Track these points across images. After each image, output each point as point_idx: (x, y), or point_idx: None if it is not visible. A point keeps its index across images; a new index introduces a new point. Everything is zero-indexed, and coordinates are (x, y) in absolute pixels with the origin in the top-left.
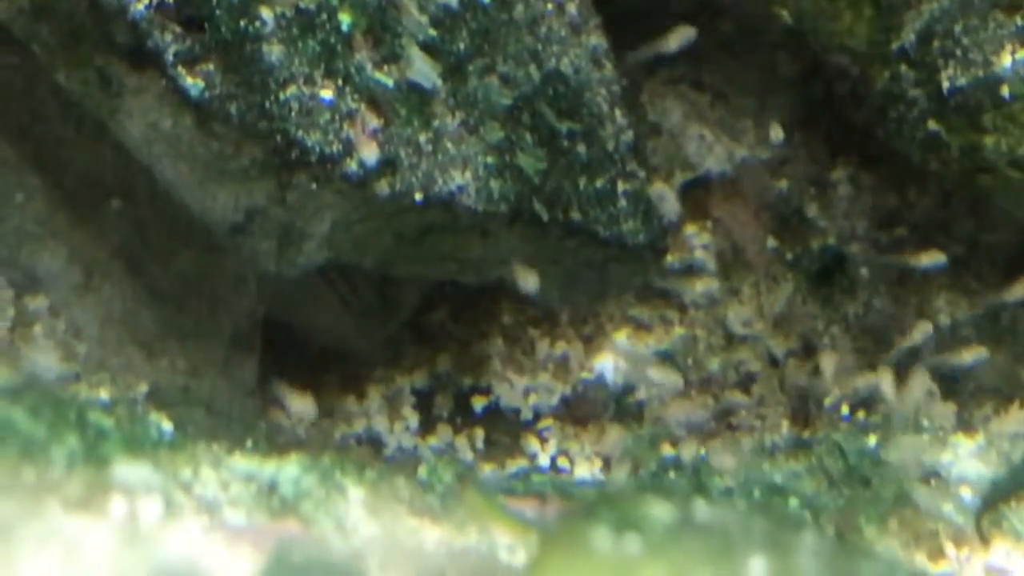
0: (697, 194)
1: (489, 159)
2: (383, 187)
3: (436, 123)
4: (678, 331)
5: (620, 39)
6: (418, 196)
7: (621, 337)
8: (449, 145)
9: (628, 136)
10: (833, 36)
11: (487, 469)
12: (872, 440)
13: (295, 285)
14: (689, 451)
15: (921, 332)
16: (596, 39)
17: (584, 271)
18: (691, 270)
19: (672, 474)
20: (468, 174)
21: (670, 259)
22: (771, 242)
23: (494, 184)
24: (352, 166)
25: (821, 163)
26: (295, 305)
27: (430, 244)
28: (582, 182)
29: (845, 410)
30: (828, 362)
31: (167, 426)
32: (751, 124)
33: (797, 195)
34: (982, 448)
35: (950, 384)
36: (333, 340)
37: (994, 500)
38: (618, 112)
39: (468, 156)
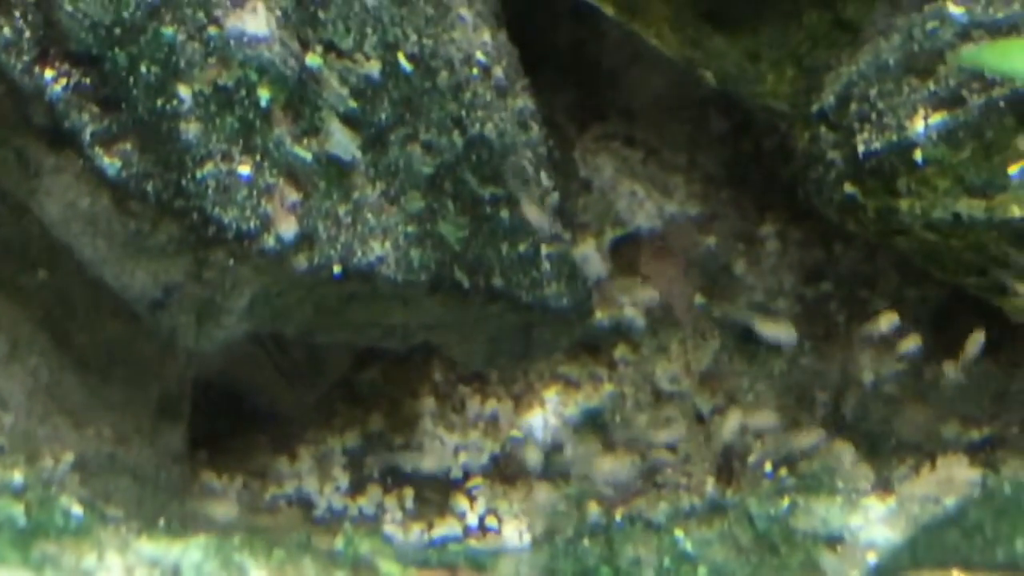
0: (627, 251)
1: (409, 228)
2: (301, 261)
3: (356, 195)
4: (607, 388)
5: (552, 97)
6: (337, 269)
7: (551, 395)
8: (369, 216)
9: (553, 198)
10: (756, 97)
11: (415, 530)
12: (785, 503)
13: (226, 348)
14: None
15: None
16: (523, 101)
17: (509, 334)
18: (619, 328)
19: (586, 541)
20: (388, 244)
21: (600, 316)
22: (699, 298)
23: (414, 253)
24: (269, 241)
25: (749, 218)
26: (226, 367)
27: (351, 313)
28: (504, 248)
29: (768, 467)
30: (732, 419)
31: (76, 510)
32: (682, 180)
33: (725, 251)
34: (893, 512)
35: (872, 441)
36: (264, 401)
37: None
38: (544, 174)
39: (388, 226)
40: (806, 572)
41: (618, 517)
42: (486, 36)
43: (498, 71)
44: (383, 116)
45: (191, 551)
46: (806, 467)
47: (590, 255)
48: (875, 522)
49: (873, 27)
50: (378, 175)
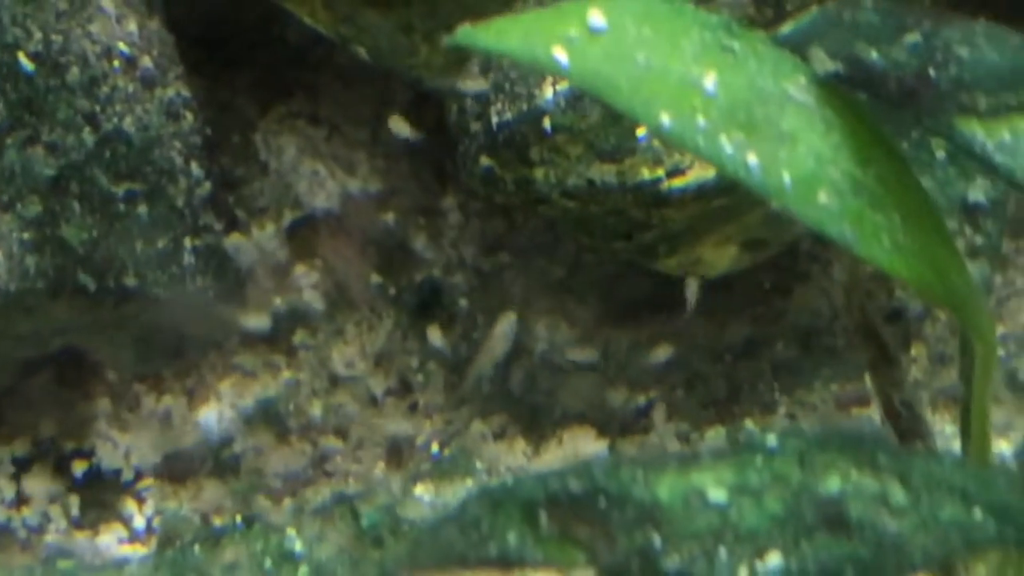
0: (305, 233)
1: (26, 235)
2: None
3: None
4: (285, 376)
5: (233, 78)
6: None
7: (226, 387)
8: None
9: (204, 189)
10: (412, 69)
11: (79, 539)
12: (418, 489)
13: None
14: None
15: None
16: (175, 90)
17: (157, 332)
18: (297, 313)
19: (197, 548)
20: (0, 254)
21: (278, 302)
22: (376, 278)
23: (30, 260)
24: None
25: (431, 191)
26: None
27: None
28: (139, 245)
29: (435, 448)
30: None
31: None
32: (364, 156)
33: (403, 227)
34: None
35: (534, 414)
36: None
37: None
38: (195, 164)
39: (1, 235)
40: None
41: (239, 519)
42: (132, 26)
43: (146, 61)
44: None
45: None
46: (454, 447)
47: (242, 245)
48: None
49: None
50: None
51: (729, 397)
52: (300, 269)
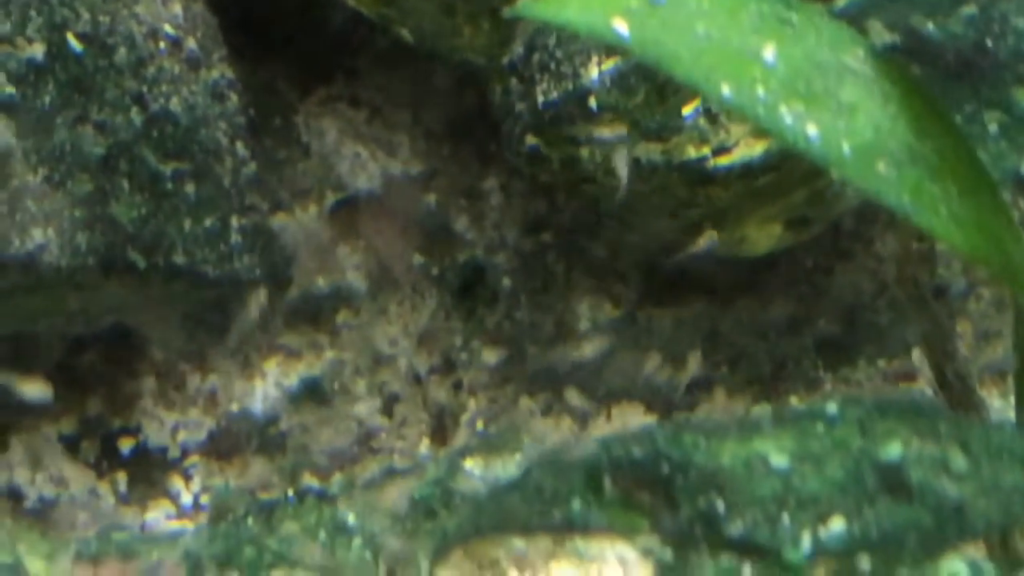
0: (347, 214)
1: (77, 212)
2: None
3: (15, 183)
4: (328, 355)
5: (275, 62)
6: None
7: (271, 366)
8: (30, 203)
9: (250, 169)
10: (454, 51)
11: (127, 514)
12: (468, 463)
13: None
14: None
15: None
16: (219, 72)
17: (205, 310)
18: (340, 293)
19: (250, 520)
20: (51, 231)
21: (321, 283)
22: (418, 258)
23: (81, 237)
24: None
25: (472, 173)
26: None
27: (19, 303)
28: (188, 223)
29: (480, 426)
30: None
31: None
32: (406, 138)
33: (445, 208)
34: None
35: (580, 391)
36: None
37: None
38: (240, 145)
39: (52, 212)
40: (463, 535)
41: (290, 493)
42: (177, 8)
43: (191, 43)
44: (47, 100)
45: None
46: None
47: (288, 225)
48: None
49: None
50: (41, 161)
51: (773, 374)
52: (343, 250)
